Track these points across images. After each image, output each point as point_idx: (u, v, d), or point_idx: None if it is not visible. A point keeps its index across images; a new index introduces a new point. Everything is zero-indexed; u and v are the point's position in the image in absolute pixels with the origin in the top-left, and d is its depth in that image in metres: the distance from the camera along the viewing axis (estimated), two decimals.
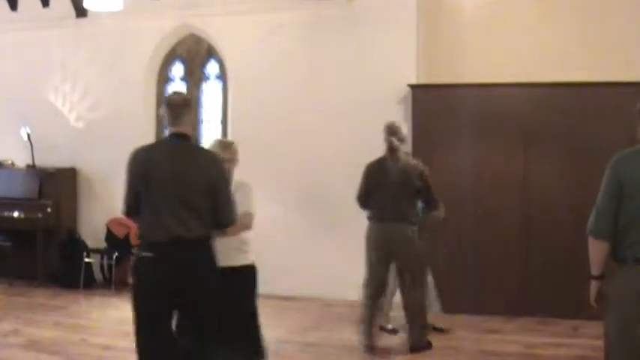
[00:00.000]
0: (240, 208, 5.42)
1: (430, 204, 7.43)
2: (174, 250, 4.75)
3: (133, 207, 4.92)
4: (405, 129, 7.61)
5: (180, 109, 4.87)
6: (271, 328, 8.18)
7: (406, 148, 7.69)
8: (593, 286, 4.35)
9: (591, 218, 4.25)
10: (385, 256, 7.25)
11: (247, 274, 5.80)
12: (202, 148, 5.19)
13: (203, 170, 4.88)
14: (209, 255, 4.93)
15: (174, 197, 4.75)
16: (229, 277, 5.38)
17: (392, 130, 7.31)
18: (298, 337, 8.02)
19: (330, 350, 7.44)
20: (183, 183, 4.77)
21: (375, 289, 7.33)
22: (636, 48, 9.09)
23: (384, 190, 7.21)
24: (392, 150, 7.25)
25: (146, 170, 4.82)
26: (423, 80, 9.55)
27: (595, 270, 4.33)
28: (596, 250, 4.27)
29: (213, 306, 4.94)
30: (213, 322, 4.98)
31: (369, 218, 7.38)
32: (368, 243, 7.36)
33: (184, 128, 4.89)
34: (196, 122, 11.10)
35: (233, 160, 5.85)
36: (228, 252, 5.43)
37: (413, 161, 7.42)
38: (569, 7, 9.44)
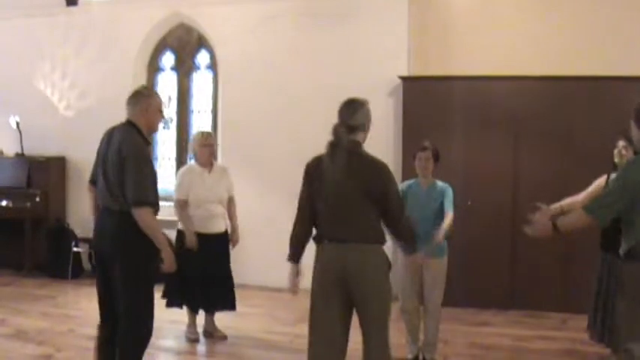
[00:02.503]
0: (231, 191, 7.58)
1: (392, 226, 4.90)
2: (101, 218, 5.46)
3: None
4: (365, 110, 5.03)
5: (129, 101, 5.50)
6: (261, 319, 8.29)
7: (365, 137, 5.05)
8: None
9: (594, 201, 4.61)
10: (335, 295, 4.86)
11: (227, 238, 7.52)
12: (128, 132, 5.41)
13: (119, 149, 5.27)
14: (118, 227, 5.26)
15: (103, 171, 5.38)
16: (220, 240, 7.39)
17: (342, 113, 5.04)
18: (288, 328, 8.01)
19: None
20: (106, 160, 5.35)
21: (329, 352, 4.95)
22: (629, 42, 9.09)
23: (324, 198, 4.91)
24: (332, 142, 4.98)
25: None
26: (414, 72, 9.53)
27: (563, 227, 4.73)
28: (580, 221, 4.63)
29: (127, 276, 5.27)
30: (127, 291, 5.29)
31: (313, 238, 5.06)
32: (312, 276, 5.03)
33: (131, 116, 5.46)
34: (187, 112, 11.09)
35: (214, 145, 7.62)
36: (217, 220, 7.38)
37: (371, 157, 4.90)
38: (561, 0, 9.43)
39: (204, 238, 7.26)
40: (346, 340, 4.93)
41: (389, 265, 4.88)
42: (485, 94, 9.06)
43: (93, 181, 5.56)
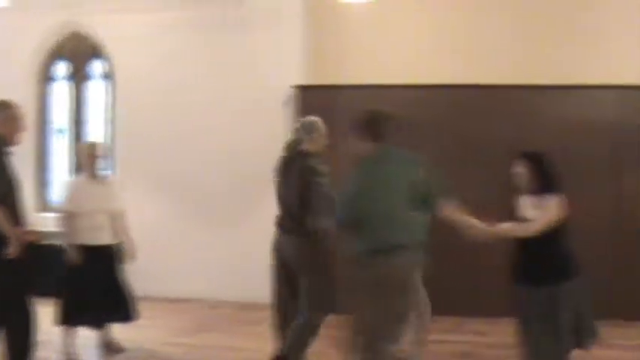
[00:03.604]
0: (119, 203, 7.37)
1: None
2: None
3: None
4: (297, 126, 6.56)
5: None
6: (157, 329, 8.20)
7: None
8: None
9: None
10: (280, 272, 6.29)
11: (118, 250, 7.32)
12: None
13: None
14: None
15: None
16: (109, 252, 7.17)
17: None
18: (184, 338, 7.96)
19: (216, 352, 7.39)
20: None
21: (277, 316, 6.37)
22: (526, 50, 9.38)
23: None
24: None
25: None
26: (310, 81, 9.59)
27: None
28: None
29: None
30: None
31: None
32: None
33: None
34: (81, 122, 10.91)
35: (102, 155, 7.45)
36: (105, 232, 7.19)
37: (303, 162, 6.22)
38: (454, 9, 9.64)
39: (92, 251, 7.07)
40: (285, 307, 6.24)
41: (317, 251, 6.03)
42: (382, 103, 9.01)
43: None
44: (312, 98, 9.28)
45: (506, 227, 5.38)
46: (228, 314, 9.09)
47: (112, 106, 10.68)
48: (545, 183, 5.27)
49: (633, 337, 7.96)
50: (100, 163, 7.39)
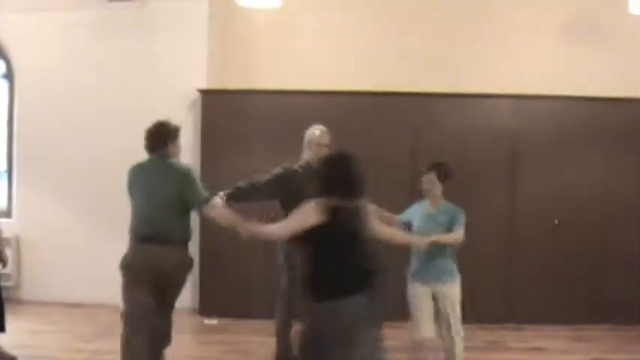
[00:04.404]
0: None
1: None
2: None
3: None
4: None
5: None
6: (59, 335, 8.06)
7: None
8: None
9: None
10: None
11: None
12: None
13: None
14: None
15: None
16: None
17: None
18: (87, 344, 7.85)
19: (118, 357, 7.31)
20: None
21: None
22: (420, 59, 9.64)
23: None
24: None
25: None
26: (214, 85, 9.60)
27: None
28: None
29: None
30: None
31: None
32: None
33: None
34: None
35: None
36: None
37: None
38: (358, 17, 9.80)
39: None
40: None
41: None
42: (286, 108, 9.20)
43: None
44: (216, 103, 9.30)
45: (264, 228, 5.19)
46: None
47: (11, 106, 10.48)
48: (320, 186, 4.85)
49: (528, 339, 8.28)
50: None
